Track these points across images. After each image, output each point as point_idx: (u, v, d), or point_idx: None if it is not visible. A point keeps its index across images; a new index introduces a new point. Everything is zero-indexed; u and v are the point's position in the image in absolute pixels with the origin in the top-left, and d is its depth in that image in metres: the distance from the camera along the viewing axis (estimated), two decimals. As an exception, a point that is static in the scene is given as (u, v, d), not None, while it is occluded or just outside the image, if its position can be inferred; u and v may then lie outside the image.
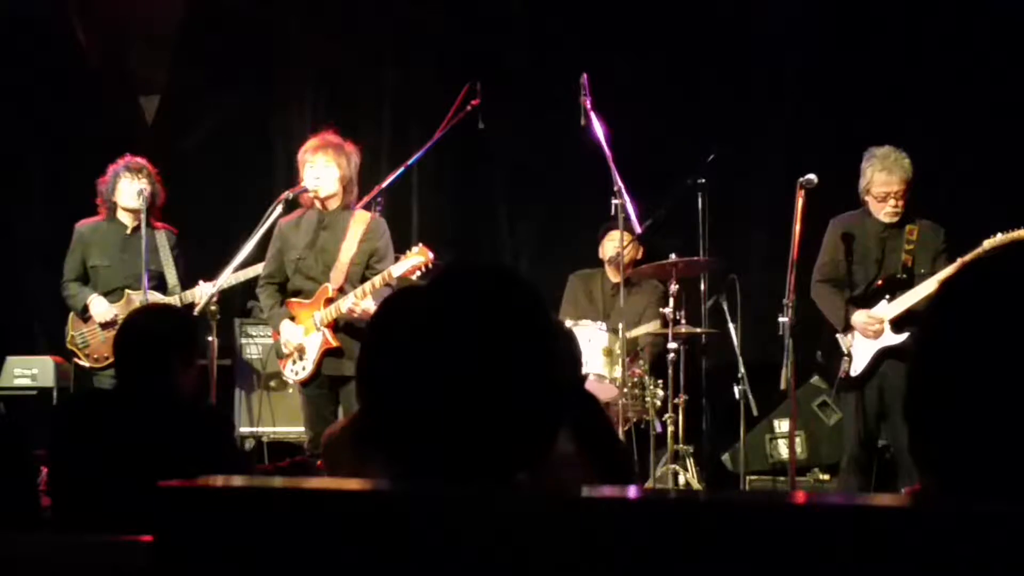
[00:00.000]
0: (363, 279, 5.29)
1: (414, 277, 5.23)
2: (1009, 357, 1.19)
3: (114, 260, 6.07)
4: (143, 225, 5.93)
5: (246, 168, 7.75)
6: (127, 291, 5.99)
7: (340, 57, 7.74)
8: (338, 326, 5.28)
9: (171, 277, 6.06)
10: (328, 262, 5.35)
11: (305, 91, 7.88)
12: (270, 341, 6.65)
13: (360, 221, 5.39)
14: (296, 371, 5.36)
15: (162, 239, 6.10)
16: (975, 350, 1.21)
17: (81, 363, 6.07)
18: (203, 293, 5.77)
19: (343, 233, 5.36)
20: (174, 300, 5.90)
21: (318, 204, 5.42)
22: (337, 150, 5.36)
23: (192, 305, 5.81)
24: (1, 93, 7.46)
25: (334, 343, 5.25)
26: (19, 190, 7.74)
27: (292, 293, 5.43)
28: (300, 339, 5.32)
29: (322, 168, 5.34)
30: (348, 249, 5.34)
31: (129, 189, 6.01)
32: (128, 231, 6.06)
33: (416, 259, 5.22)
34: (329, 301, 5.29)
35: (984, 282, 1.26)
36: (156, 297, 5.90)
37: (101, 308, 5.99)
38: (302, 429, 5.98)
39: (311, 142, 5.44)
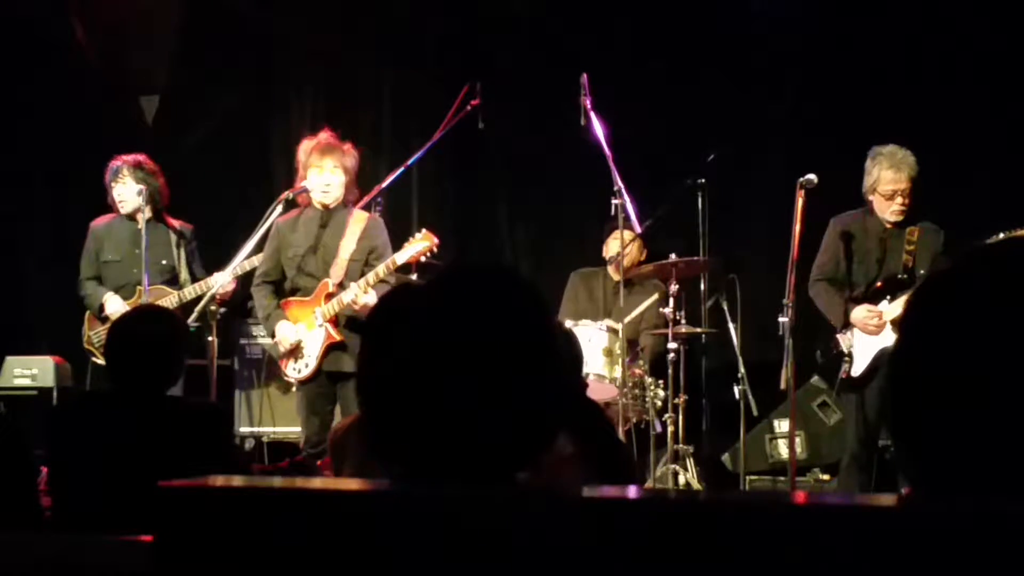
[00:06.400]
0: (362, 275, 5.31)
1: (422, 259, 5.27)
2: (985, 366, 1.17)
3: (125, 256, 6.07)
4: (142, 222, 5.93)
5: (246, 168, 7.75)
6: (138, 287, 5.98)
7: (340, 57, 7.74)
8: (339, 322, 5.30)
9: (182, 271, 6.06)
10: (328, 259, 5.37)
11: (305, 91, 7.88)
12: (271, 341, 6.66)
13: (359, 219, 5.43)
14: (299, 369, 5.36)
15: (174, 234, 6.10)
16: (949, 361, 1.19)
17: (98, 362, 6.01)
18: (218, 282, 5.71)
19: (342, 230, 5.39)
20: (176, 296, 5.89)
21: (316, 204, 5.44)
22: (342, 153, 5.41)
23: (198, 299, 5.78)
24: (1, 93, 7.46)
25: (337, 337, 5.27)
26: (19, 190, 7.74)
27: (291, 291, 5.44)
28: (297, 337, 5.32)
29: (330, 174, 5.37)
30: (348, 246, 5.37)
31: (124, 191, 6.01)
32: (140, 226, 6.06)
33: (421, 244, 5.26)
34: (330, 296, 5.30)
35: (954, 290, 1.24)
36: (157, 293, 5.89)
37: (116, 306, 5.95)
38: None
39: (313, 145, 5.44)
